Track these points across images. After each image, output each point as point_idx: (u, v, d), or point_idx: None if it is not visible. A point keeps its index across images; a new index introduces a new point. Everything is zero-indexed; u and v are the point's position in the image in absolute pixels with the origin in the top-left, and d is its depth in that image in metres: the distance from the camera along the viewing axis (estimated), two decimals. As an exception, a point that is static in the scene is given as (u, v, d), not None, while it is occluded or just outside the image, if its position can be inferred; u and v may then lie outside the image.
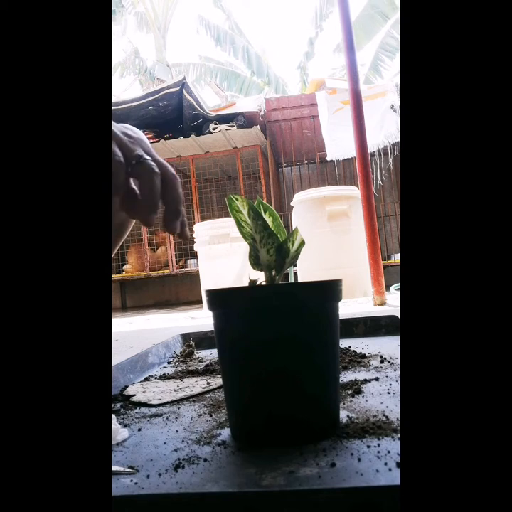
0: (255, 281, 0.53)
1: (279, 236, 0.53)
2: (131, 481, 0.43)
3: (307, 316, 0.49)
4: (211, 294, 0.51)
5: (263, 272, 0.54)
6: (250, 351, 0.49)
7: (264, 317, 0.49)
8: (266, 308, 0.49)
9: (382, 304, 2.56)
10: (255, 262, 0.54)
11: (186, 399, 0.70)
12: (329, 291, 0.51)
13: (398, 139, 4.23)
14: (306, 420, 0.48)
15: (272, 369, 0.48)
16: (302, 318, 0.49)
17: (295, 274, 3.57)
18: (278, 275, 0.54)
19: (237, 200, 0.52)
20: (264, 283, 0.54)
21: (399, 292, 3.44)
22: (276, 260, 0.52)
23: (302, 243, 0.53)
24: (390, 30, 7.63)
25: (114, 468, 0.45)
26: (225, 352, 0.52)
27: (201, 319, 3.02)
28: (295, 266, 3.45)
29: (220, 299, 0.52)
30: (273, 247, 0.52)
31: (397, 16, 7.25)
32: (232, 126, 5.02)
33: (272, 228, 0.53)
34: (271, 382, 0.48)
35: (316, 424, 0.49)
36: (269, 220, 0.54)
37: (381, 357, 0.85)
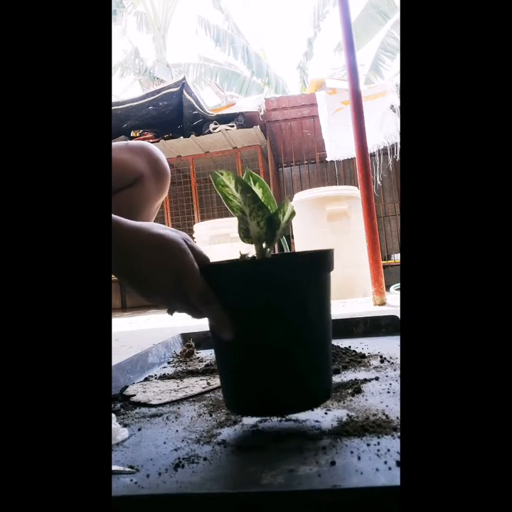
0: (246, 255, 0.53)
1: (269, 208, 0.52)
2: (131, 480, 0.43)
3: (297, 287, 0.49)
4: (202, 269, 0.51)
5: (254, 245, 0.53)
6: (239, 324, 0.49)
7: (254, 290, 0.49)
8: (256, 281, 0.49)
9: (382, 304, 2.56)
10: (245, 235, 0.53)
11: (186, 399, 0.70)
12: (319, 261, 0.51)
13: (398, 140, 4.23)
14: (297, 391, 0.50)
15: (261, 341, 0.49)
16: (292, 289, 0.49)
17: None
18: (269, 247, 0.53)
19: (221, 174, 0.51)
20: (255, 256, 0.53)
21: (399, 292, 3.44)
22: (267, 232, 0.52)
23: (293, 213, 0.52)
24: (390, 30, 7.62)
25: (114, 468, 0.45)
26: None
27: (201, 319, 3.01)
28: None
29: (209, 274, 0.51)
30: (263, 219, 0.51)
31: (397, 15, 7.24)
32: (232, 126, 5.01)
33: (263, 200, 0.52)
34: (259, 356, 0.49)
35: (308, 393, 0.51)
36: (258, 192, 0.53)
37: (381, 357, 0.85)
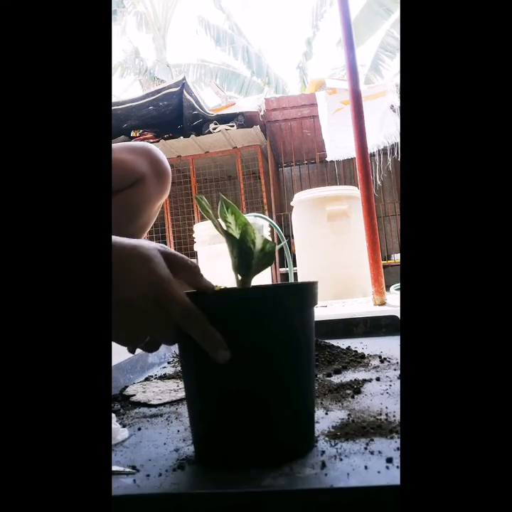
0: (216, 286, 0.49)
1: (240, 237, 0.47)
2: (132, 480, 0.43)
3: (271, 324, 0.44)
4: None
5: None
6: (208, 363, 0.44)
7: (222, 326, 0.44)
8: (225, 317, 0.44)
9: (382, 304, 2.56)
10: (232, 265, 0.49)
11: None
12: (299, 295, 0.46)
13: (398, 140, 4.23)
14: (274, 441, 0.45)
15: (232, 386, 0.44)
16: (264, 326, 0.44)
17: (295, 274, 3.57)
18: (246, 278, 0.49)
19: (202, 199, 0.48)
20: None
21: (399, 292, 3.44)
22: (240, 262, 0.48)
23: (266, 242, 0.47)
24: (390, 29, 7.61)
25: (114, 468, 0.45)
26: (186, 362, 0.48)
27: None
28: (295, 266, 3.44)
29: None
30: (235, 248, 0.47)
31: (398, 12, 7.19)
32: (232, 126, 5.02)
33: (235, 228, 0.48)
34: (230, 402, 0.45)
35: (285, 443, 0.45)
36: (231, 219, 0.48)
37: (381, 357, 0.85)
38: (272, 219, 4.63)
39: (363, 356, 0.87)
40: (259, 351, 0.44)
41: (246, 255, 0.47)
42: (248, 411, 0.44)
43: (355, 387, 0.66)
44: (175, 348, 1.13)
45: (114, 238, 0.45)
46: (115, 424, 0.57)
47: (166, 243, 5.59)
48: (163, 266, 0.45)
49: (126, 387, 0.80)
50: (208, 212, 0.49)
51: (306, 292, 0.47)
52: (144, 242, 0.46)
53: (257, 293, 0.45)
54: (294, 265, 3.42)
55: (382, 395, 0.62)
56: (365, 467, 0.41)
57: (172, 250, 0.49)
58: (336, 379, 0.73)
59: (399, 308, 2.12)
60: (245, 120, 5.10)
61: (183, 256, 0.49)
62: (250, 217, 3.30)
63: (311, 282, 0.47)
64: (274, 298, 0.45)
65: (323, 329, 1.14)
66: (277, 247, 0.48)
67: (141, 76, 8.98)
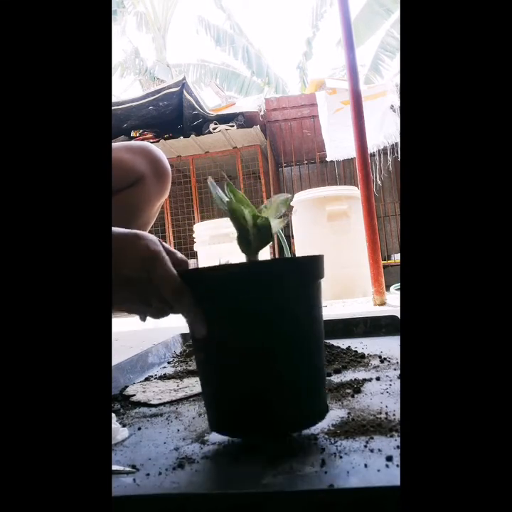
0: (227, 262, 0.50)
1: (230, 212, 0.49)
2: (132, 480, 0.43)
3: (277, 296, 0.46)
4: (182, 275, 0.49)
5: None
6: (215, 335, 0.46)
7: (229, 296, 0.45)
8: (227, 290, 0.46)
9: (382, 304, 2.56)
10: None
11: (186, 398, 0.70)
12: (304, 267, 0.48)
13: (398, 140, 4.23)
14: (279, 414, 0.46)
15: (238, 350, 0.46)
16: (270, 298, 0.46)
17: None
18: (247, 256, 0.50)
19: (211, 181, 0.51)
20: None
21: (399, 292, 3.44)
22: (239, 240, 0.49)
23: (257, 217, 0.48)
24: (390, 29, 7.61)
25: (114, 467, 0.45)
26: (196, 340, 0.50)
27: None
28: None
29: (187, 280, 0.48)
30: (234, 225, 0.49)
31: (398, 12, 7.17)
32: (232, 126, 5.01)
33: (234, 205, 0.49)
34: (234, 369, 0.46)
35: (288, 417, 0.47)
36: (231, 197, 0.51)
37: (381, 357, 0.85)
38: (271, 219, 4.61)
39: (363, 356, 0.87)
40: (263, 320, 0.46)
41: (242, 231, 0.49)
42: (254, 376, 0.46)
43: (355, 387, 0.66)
44: (175, 348, 1.13)
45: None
46: (115, 424, 0.57)
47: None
48: (155, 243, 0.48)
49: (126, 387, 0.80)
50: (216, 192, 0.51)
51: (312, 265, 0.49)
52: (139, 231, 0.50)
53: (269, 265, 0.48)
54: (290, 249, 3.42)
55: (382, 395, 0.62)
56: (365, 465, 0.41)
57: (166, 245, 0.52)
58: (336, 378, 0.73)
59: (399, 308, 2.13)
60: (245, 120, 5.10)
61: (174, 250, 0.52)
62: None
63: (317, 256, 0.49)
64: (284, 270, 0.47)
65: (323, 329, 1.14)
66: (276, 227, 0.50)
67: (141, 76, 8.98)
